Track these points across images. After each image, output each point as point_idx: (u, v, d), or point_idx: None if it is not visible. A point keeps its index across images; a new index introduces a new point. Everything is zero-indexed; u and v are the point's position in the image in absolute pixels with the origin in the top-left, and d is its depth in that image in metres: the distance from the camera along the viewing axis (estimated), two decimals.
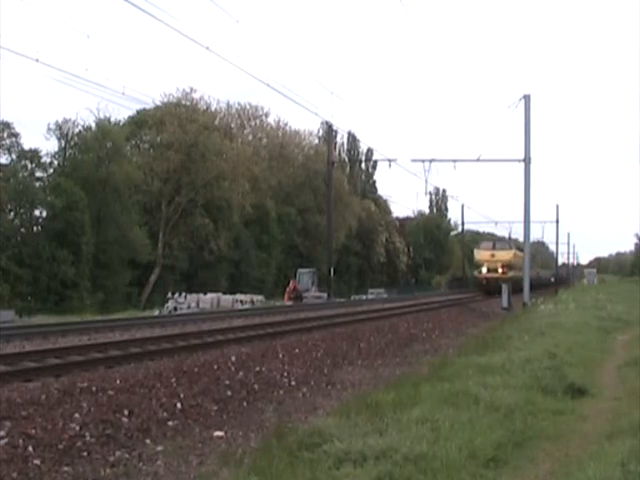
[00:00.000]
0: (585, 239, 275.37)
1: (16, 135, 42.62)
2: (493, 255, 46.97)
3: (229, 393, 9.59)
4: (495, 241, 50.87)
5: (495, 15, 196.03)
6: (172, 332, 15.84)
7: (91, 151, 45.46)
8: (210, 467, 6.57)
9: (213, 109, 58.00)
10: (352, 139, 77.48)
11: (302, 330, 17.09)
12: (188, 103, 53.51)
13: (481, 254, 48.56)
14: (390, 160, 36.76)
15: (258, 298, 36.00)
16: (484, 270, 46.80)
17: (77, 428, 7.16)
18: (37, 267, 38.98)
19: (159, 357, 11.78)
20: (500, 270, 45.91)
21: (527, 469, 6.57)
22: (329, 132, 46.08)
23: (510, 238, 52.72)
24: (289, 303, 36.61)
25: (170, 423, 8.00)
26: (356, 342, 15.70)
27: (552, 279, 77.62)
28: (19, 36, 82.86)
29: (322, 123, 65.62)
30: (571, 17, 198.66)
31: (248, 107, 64.81)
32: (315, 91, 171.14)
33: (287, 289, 41.66)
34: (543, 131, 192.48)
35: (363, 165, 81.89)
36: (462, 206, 66.85)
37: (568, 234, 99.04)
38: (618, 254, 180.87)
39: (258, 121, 66.02)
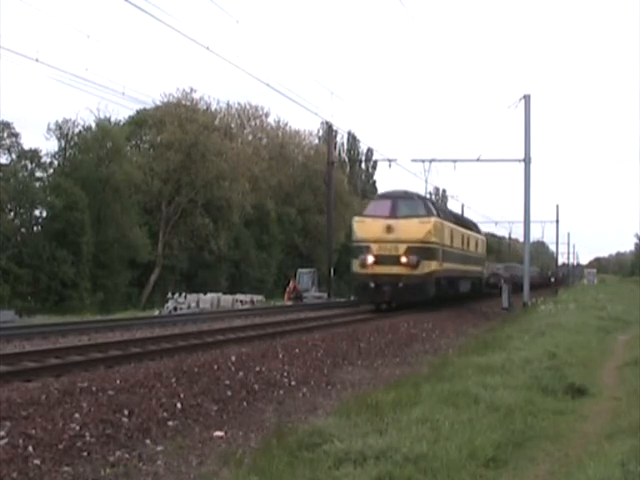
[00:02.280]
0: (585, 239, 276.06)
1: (16, 135, 42.66)
2: (390, 228, 24.25)
3: (229, 393, 9.58)
4: (396, 198, 25.81)
5: (495, 16, 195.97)
6: (172, 332, 15.82)
7: (91, 151, 45.48)
8: (210, 467, 6.57)
9: (213, 109, 58.03)
10: (352, 139, 77.52)
11: (302, 330, 17.09)
12: (188, 103, 53.49)
13: (367, 225, 25.08)
14: (390, 160, 36.76)
15: (258, 298, 35.98)
16: (369, 259, 24.20)
17: (77, 428, 7.15)
18: (37, 267, 38.98)
19: (159, 357, 11.78)
20: (404, 259, 23.93)
21: (527, 469, 6.58)
22: (329, 132, 46.03)
23: (431, 201, 29.95)
24: (289, 303, 36.58)
25: (170, 423, 8.00)
26: (356, 342, 15.69)
27: (552, 279, 76.55)
28: (19, 36, 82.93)
29: (322, 123, 65.75)
30: (571, 17, 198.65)
31: (248, 107, 64.87)
32: (315, 91, 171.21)
33: (287, 289, 41.61)
34: (543, 131, 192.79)
35: (363, 165, 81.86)
36: (462, 206, 66.74)
37: (568, 234, 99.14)
38: (618, 254, 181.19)
39: (258, 121, 66.03)
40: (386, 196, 26.88)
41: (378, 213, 25.12)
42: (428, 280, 24.73)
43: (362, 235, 25.06)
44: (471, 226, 37.54)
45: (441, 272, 26.16)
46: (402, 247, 24.14)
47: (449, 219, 29.48)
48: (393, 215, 24.76)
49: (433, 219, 25.53)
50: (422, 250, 24.32)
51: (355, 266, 25.08)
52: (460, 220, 34.49)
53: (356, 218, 26.35)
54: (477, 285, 35.23)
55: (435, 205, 28.44)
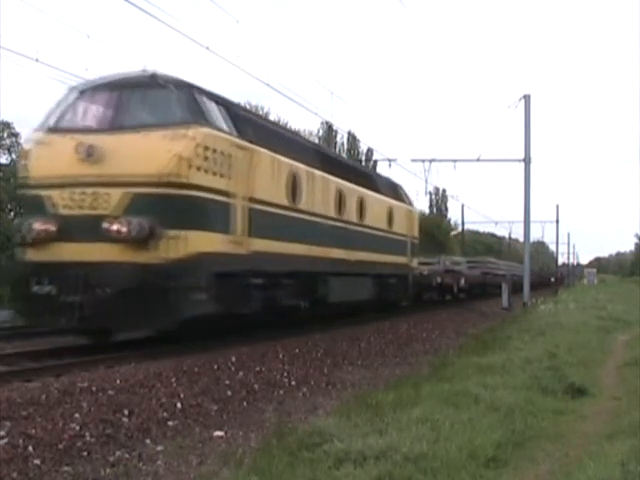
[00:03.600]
0: (585, 239, 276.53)
1: (16, 135, 42.59)
2: (95, 153, 10.43)
3: (229, 393, 9.58)
4: (123, 88, 11.35)
5: (495, 16, 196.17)
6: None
7: None
8: (210, 467, 6.56)
9: None
10: (352, 139, 77.38)
11: (302, 330, 17.08)
12: None
13: (49, 151, 10.97)
14: (390, 160, 36.72)
15: None
16: (39, 227, 10.60)
17: (77, 428, 7.15)
18: None
19: (159, 357, 11.77)
20: (115, 227, 10.28)
21: (527, 469, 6.57)
22: (329, 132, 46.13)
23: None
24: None
25: (170, 423, 7.99)
26: (356, 342, 15.70)
27: (552, 278, 76.10)
28: (19, 36, 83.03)
29: (322, 123, 65.60)
30: (571, 17, 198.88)
31: (248, 107, 64.89)
32: (315, 91, 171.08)
33: None
34: (543, 131, 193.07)
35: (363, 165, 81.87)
36: (462, 206, 66.70)
37: (568, 234, 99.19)
38: (618, 254, 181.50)
39: None
40: (104, 86, 11.97)
41: (79, 123, 11.64)
42: (186, 278, 10.97)
43: (35, 173, 11.44)
44: (377, 184, 21.14)
45: (240, 258, 12.25)
46: (116, 196, 10.76)
47: (288, 147, 14.72)
48: (111, 125, 11.21)
49: (204, 130, 11.41)
50: (167, 202, 10.80)
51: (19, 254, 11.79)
52: (340, 164, 18.28)
53: (31, 136, 12.15)
54: (397, 288, 21.30)
55: (225, 103, 13.02)
